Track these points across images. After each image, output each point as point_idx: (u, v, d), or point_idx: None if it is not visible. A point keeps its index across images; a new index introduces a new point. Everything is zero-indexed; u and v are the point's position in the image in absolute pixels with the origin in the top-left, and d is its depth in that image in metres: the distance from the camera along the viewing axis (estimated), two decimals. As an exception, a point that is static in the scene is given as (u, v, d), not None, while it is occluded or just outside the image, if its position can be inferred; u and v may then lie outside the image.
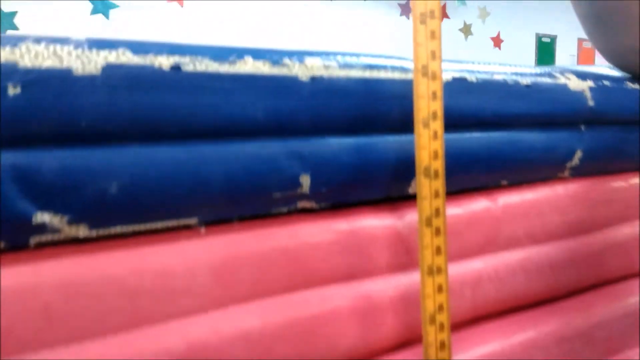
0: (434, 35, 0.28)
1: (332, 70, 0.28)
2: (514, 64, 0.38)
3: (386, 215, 0.32)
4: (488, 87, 0.34)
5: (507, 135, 0.35)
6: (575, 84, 0.38)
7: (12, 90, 0.20)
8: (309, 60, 0.27)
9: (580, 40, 4.82)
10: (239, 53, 0.25)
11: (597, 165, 0.42)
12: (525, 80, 0.35)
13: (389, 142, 0.31)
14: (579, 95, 0.38)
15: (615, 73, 0.45)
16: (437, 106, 0.28)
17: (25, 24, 2.78)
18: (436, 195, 0.29)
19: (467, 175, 0.35)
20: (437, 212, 0.29)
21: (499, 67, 0.36)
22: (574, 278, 0.40)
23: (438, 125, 0.28)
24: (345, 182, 0.30)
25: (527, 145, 0.36)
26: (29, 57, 0.21)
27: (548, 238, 0.39)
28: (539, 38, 4.67)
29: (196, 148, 0.25)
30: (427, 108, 0.28)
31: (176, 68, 0.23)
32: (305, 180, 0.28)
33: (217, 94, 0.25)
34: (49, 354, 0.22)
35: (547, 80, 0.37)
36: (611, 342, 0.40)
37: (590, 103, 0.39)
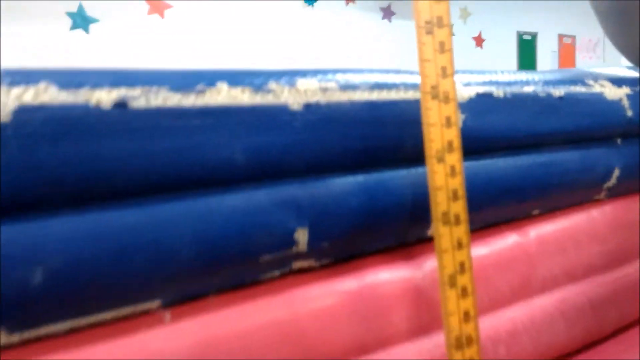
0: (444, 47, 0.22)
1: (331, 93, 0.22)
2: (540, 72, 0.32)
3: (402, 265, 0.26)
4: (518, 102, 0.28)
5: (539, 158, 0.30)
6: (611, 92, 0.32)
7: None
8: (302, 83, 0.21)
9: (560, 36, 4.83)
10: (210, 79, 0.19)
11: (635, 182, 0.36)
12: (558, 92, 0.30)
13: (403, 176, 0.25)
14: (616, 105, 0.32)
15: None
16: (453, 134, 0.22)
17: (6, 41, 2.69)
18: (459, 246, 0.23)
19: (494, 209, 0.29)
20: (462, 268, 0.23)
21: (527, 75, 0.30)
22: (618, 315, 0.35)
23: (455, 158, 0.22)
24: (352, 232, 0.23)
25: (561, 167, 0.31)
26: None
27: (587, 272, 0.33)
28: (520, 36, 4.67)
29: (153, 208, 0.18)
30: (441, 138, 0.22)
31: (121, 105, 0.17)
32: (302, 236, 0.22)
33: (180, 135, 0.18)
34: None
35: (581, 89, 0.31)
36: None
37: (629, 113, 0.33)
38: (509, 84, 0.28)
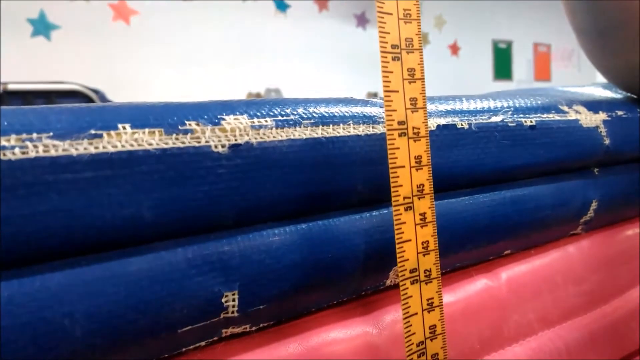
0: (414, 74, 0.19)
1: (265, 132, 0.18)
2: (510, 94, 0.29)
3: (356, 321, 0.23)
4: (485, 134, 0.25)
5: (510, 193, 0.27)
6: (587, 118, 0.30)
7: None
8: (229, 120, 0.18)
9: (535, 45, 4.90)
10: (109, 119, 0.16)
11: (614, 214, 0.34)
12: (529, 120, 0.27)
13: (355, 221, 0.21)
14: (593, 133, 0.30)
15: (623, 97, 0.37)
16: (424, 177, 0.19)
17: None
18: (430, 307, 0.20)
19: (461, 252, 0.26)
20: (434, 333, 0.20)
21: (494, 102, 0.27)
22: (597, 358, 0.32)
23: (427, 204, 0.19)
24: (294, 289, 0.20)
25: (534, 202, 0.28)
26: None
27: (563, 317, 0.30)
28: (495, 44, 4.72)
29: (35, 280, 0.15)
30: (410, 182, 0.19)
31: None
32: (232, 300, 0.18)
33: (68, 191, 0.15)
34: None
35: (554, 116, 0.28)
36: None
37: (606, 141, 0.30)
38: (475, 113, 0.25)
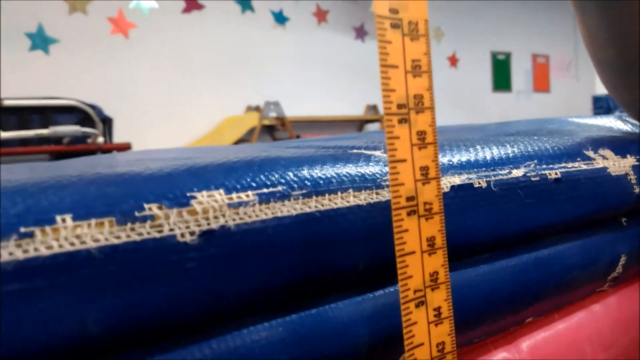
0: (426, 139, 0.15)
1: (246, 210, 0.15)
2: (532, 139, 0.26)
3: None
4: (505, 192, 0.21)
5: (534, 257, 0.23)
6: (615, 165, 0.26)
7: None
8: (201, 199, 0.14)
9: (534, 56, 4.89)
10: (43, 211, 0.12)
11: (642, 266, 0.30)
12: (553, 173, 0.23)
13: (355, 305, 0.18)
14: (622, 181, 0.26)
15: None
16: (439, 263, 0.16)
17: None
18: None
19: (479, 325, 0.22)
20: None
21: (514, 149, 0.24)
22: None
23: (442, 297, 0.16)
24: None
25: (559, 265, 0.24)
26: None
27: (590, 386, 0.27)
28: (494, 55, 4.72)
29: None
30: (421, 272, 0.15)
31: None
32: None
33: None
34: None
35: (581, 165, 0.25)
36: None
37: (636, 189, 0.27)
38: (493, 166, 0.22)
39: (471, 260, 0.21)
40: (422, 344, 0.15)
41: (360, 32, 4.11)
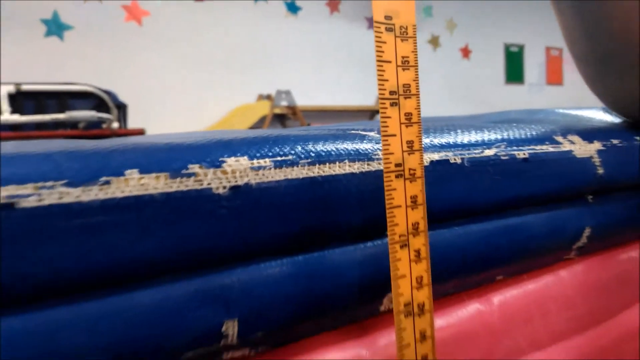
0: (411, 119, 0.20)
1: (264, 173, 0.20)
2: (510, 120, 0.30)
3: (352, 343, 0.24)
4: (477, 168, 0.26)
5: (503, 223, 0.28)
6: (581, 149, 0.31)
7: None
8: (230, 163, 0.19)
9: (547, 49, 4.87)
10: (117, 166, 0.17)
11: (607, 239, 0.34)
12: (521, 153, 0.28)
13: (348, 253, 0.23)
14: (586, 163, 0.31)
15: (620, 123, 0.38)
16: (419, 216, 0.20)
17: None
18: (423, 338, 0.21)
19: (454, 279, 0.27)
20: (422, 360, 0.21)
21: (489, 134, 0.28)
22: (586, 381, 0.33)
23: (421, 241, 0.20)
24: (291, 318, 0.21)
25: (527, 231, 0.29)
26: None
27: (553, 340, 0.31)
28: (507, 48, 4.70)
29: (58, 312, 0.16)
30: (405, 221, 0.20)
31: (7, 207, 0.15)
32: (232, 328, 0.19)
33: (80, 236, 0.16)
34: None
35: (548, 148, 0.29)
36: None
37: (600, 171, 0.31)
38: (468, 147, 0.26)
39: (447, 224, 0.26)
40: (404, 276, 0.20)
41: (373, 23, 4.09)
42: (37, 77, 2.67)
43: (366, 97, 3.81)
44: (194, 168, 0.18)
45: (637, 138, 0.35)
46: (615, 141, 0.33)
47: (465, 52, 4.48)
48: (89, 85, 2.56)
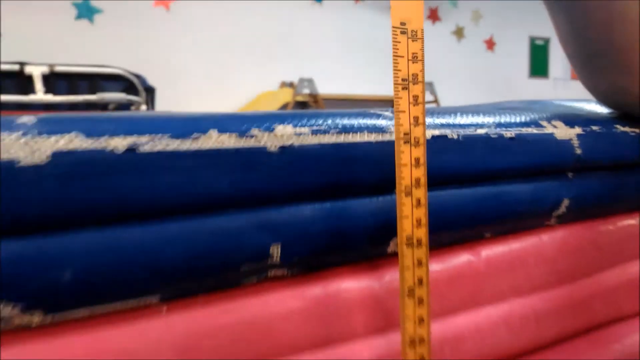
0: (417, 100, 0.26)
1: (303, 137, 0.27)
2: (508, 107, 0.37)
3: (364, 276, 0.31)
4: (470, 143, 0.32)
5: (492, 190, 0.34)
6: (562, 132, 0.37)
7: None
8: (280, 129, 0.26)
9: (573, 43, 4.80)
10: (203, 127, 0.24)
11: (585, 211, 0.41)
12: (509, 133, 0.34)
13: (365, 204, 0.30)
14: (566, 145, 0.37)
15: (605, 114, 0.44)
16: (421, 173, 0.27)
17: (8, 30, 2.75)
18: (419, 264, 0.28)
19: (449, 232, 0.33)
20: (420, 282, 0.28)
21: (483, 117, 0.34)
22: (559, 327, 0.39)
23: (421, 192, 0.27)
24: (319, 249, 0.28)
25: (512, 198, 0.35)
26: (-31, 146, 0.19)
27: (533, 289, 0.38)
28: (532, 41, 4.67)
29: (155, 227, 0.23)
30: (410, 176, 0.27)
31: (131, 150, 0.22)
32: (276, 251, 0.27)
33: (178, 173, 0.23)
34: None
35: (532, 130, 0.36)
36: (598, 395, 0.39)
37: (578, 151, 0.37)
38: (464, 126, 0.33)
39: (444, 187, 0.32)
40: (407, 217, 0.27)
41: None
42: (68, 59, 2.76)
43: (387, 87, 3.84)
44: (255, 131, 0.25)
45: (617, 126, 0.41)
46: (595, 127, 0.39)
47: (490, 44, 4.46)
48: (120, 68, 2.64)
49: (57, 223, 0.21)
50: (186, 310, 0.25)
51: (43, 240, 0.21)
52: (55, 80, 2.51)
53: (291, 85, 3.35)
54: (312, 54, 3.62)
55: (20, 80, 2.30)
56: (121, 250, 0.22)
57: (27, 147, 0.20)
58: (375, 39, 3.77)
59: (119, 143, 0.22)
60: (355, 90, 3.69)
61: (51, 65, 2.46)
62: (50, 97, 2.37)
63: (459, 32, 4.18)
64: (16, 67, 2.26)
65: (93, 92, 2.56)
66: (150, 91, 2.70)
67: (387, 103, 3.79)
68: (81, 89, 2.58)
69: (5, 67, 2.23)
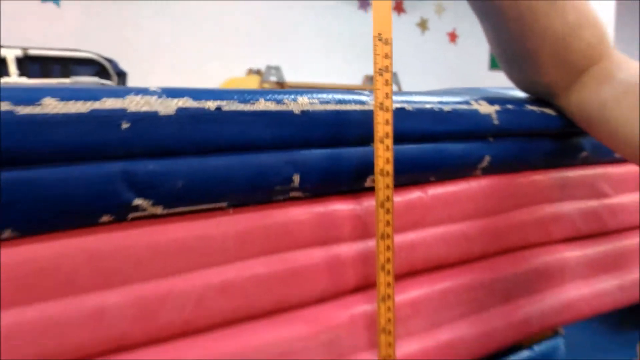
0: (388, 82, 0.42)
1: (315, 105, 0.42)
2: (442, 95, 0.53)
3: (350, 201, 0.47)
4: (420, 113, 0.48)
5: (435, 147, 0.50)
6: (484, 108, 0.53)
7: (125, 125, 0.33)
8: (300, 99, 0.41)
9: (528, 38, 5.04)
10: (257, 96, 0.39)
11: (502, 166, 0.57)
12: (447, 108, 0.50)
13: (352, 151, 0.45)
14: (487, 117, 0.53)
15: (521, 97, 0.61)
16: (389, 129, 0.42)
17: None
18: (387, 187, 0.43)
19: (406, 175, 0.49)
20: (388, 198, 0.43)
21: (429, 97, 0.50)
22: (483, 247, 0.56)
23: (389, 141, 0.43)
24: (323, 180, 0.44)
25: (448, 153, 0.51)
26: (132, 104, 0.34)
27: (464, 219, 0.54)
28: (490, 34, 4.87)
29: (228, 157, 0.38)
30: (382, 130, 0.42)
31: (218, 109, 0.37)
32: (296, 178, 0.42)
33: (242, 124, 0.38)
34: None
35: (463, 107, 0.52)
36: (508, 292, 0.56)
37: (496, 122, 0.54)
38: (416, 102, 0.48)
39: (403, 143, 0.48)
40: (380, 156, 0.42)
41: (364, 3, 4.17)
42: (36, 43, 2.77)
43: (353, 77, 3.97)
44: (286, 100, 0.40)
45: (527, 106, 0.58)
46: (509, 106, 0.56)
47: (453, 37, 4.64)
48: (92, 52, 2.70)
49: (179, 151, 0.36)
50: (243, 213, 0.41)
51: (173, 160, 0.36)
52: (28, 64, 2.55)
53: (258, 72, 3.43)
54: (279, 42, 3.72)
55: (-7, 63, 2.33)
56: (209, 169, 0.37)
57: (162, 104, 0.35)
58: (342, 28, 3.90)
59: (211, 104, 0.37)
60: (321, 79, 3.80)
61: (25, 49, 2.50)
62: (25, 80, 2.42)
63: (423, 24, 4.35)
64: (-11, 50, 2.30)
65: (66, 75, 2.61)
66: (122, 75, 2.76)
67: (354, 91, 3.90)
68: (54, 72, 2.63)
69: (-23, 50, 2.27)
